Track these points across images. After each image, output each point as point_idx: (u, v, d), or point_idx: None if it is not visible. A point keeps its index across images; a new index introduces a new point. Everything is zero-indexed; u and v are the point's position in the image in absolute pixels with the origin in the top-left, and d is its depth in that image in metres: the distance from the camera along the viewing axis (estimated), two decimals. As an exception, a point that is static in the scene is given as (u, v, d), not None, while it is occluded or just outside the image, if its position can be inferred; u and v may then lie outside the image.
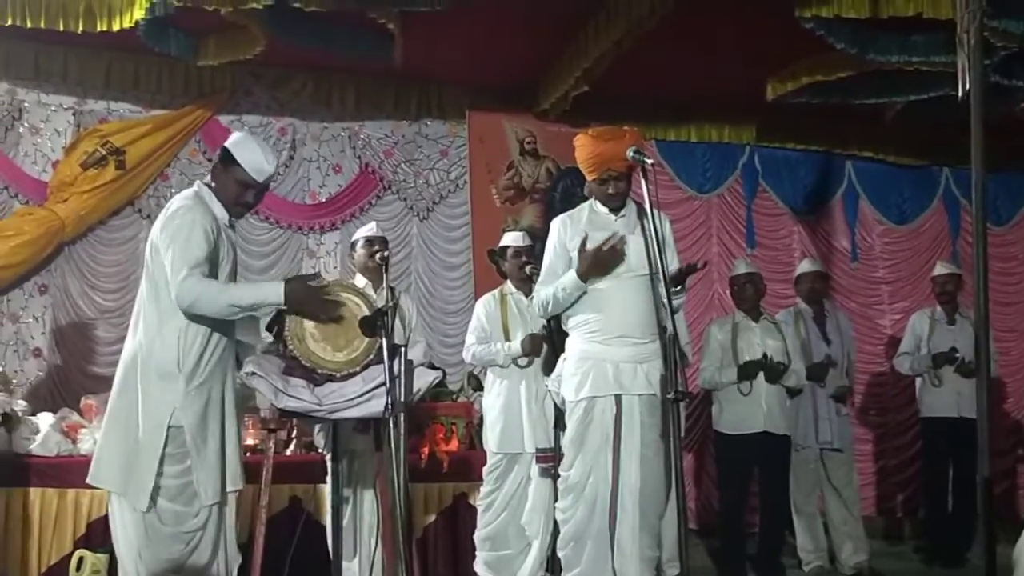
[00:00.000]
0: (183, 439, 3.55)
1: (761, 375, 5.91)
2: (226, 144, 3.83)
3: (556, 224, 4.29)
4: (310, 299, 3.78)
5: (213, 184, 3.78)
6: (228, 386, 3.73)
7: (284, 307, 3.70)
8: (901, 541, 7.76)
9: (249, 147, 3.80)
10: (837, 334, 6.48)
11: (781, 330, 6.15)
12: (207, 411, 3.61)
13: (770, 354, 5.94)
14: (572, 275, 4.10)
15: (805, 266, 6.80)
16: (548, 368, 4.98)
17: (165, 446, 3.53)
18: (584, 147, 4.16)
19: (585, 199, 4.37)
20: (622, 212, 4.20)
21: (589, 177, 4.19)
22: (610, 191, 4.13)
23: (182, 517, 3.55)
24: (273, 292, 3.65)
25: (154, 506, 3.53)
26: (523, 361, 5.31)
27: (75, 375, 6.89)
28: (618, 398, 4.02)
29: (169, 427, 3.54)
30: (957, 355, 6.62)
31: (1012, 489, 8.57)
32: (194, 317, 3.57)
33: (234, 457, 3.72)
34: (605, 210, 4.21)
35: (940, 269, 7.09)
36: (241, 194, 3.79)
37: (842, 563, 6.33)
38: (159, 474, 3.52)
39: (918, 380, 6.92)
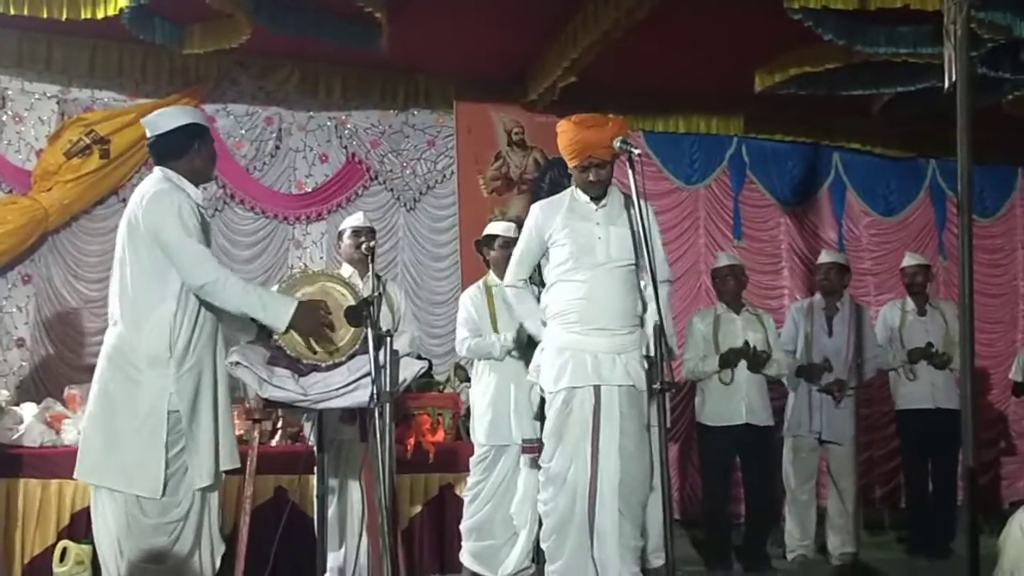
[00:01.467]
0: (179, 424, 3.54)
1: (743, 364, 5.94)
2: (198, 121, 3.81)
3: (535, 210, 4.27)
4: (312, 329, 3.82)
5: (187, 166, 3.74)
6: (219, 366, 3.72)
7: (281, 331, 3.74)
8: (882, 531, 7.79)
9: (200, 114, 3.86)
10: (844, 328, 6.40)
11: (763, 322, 6.18)
12: (199, 393, 3.60)
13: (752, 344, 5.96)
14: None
15: (821, 257, 6.74)
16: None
17: (168, 432, 3.52)
18: (566, 133, 4.15)
19: (575, 190, 4.36)
20: (603, 202, 4.18)
21: (570, 164, 4.18)
22: (591, 178, 4.12)
23: (166, 507, 3.53)
24: (280, 318, 3.67)
25: (137, 498, 3.51)
26: (517, 353, 5.30)
27: (59, 365, 6.85)
28: (597, 389, 4.01)
29: (169, 412, 3.53)
30: (932, 350, 6.63)
31: (995, 480, 8.63)
32: (192, 297, 3.56)
33: (227, 436, 3.71)
34: (586, 199, 4.19)
35: (909, 260, 7.03)
36: (213, 167, 3.84)
37: (830, 553, 6.35)
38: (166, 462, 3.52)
39: (891, 373, 6.91)
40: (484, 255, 5.66)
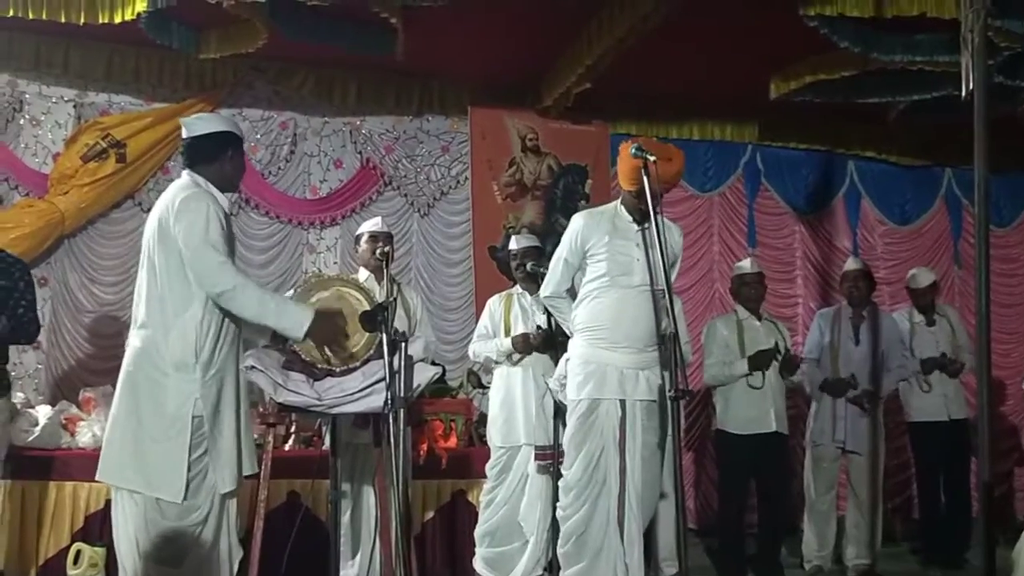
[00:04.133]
0: (201, 428, 3.56)
1: (774, 367, 5.90)
2: (234, 131, 3.88)
3: (579, 221, 4.31)
4: (329, 338, 3.82)
5: (217, 173, 3.78)
6: (239, 374, 3.76)
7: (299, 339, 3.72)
8: (894, 542, 7.74)
9: (236, 124, 3.94)
10: (869, 336, 6.36)
11: (780, 330, 6.15)
12: (221, 400, 3.63)
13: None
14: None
15: (848, 264, 6.70)
16: (552, 363, 5.04)
17: (191, 436, 3.54)
18: (633, 160, 4.10)
19: (586, 196, 4.40)
20: (645, 224, 4.20)
21: (626, 187, 4.20)
22: (643, 206, 4.12)
23: (185, 511, 3.55)
24: (297, 326, 3.65)
25: (157, 500, 3.52)
26: (516, 358, 5.34)
27: (74, 368, 6.87)
28: (622, 402, 4.10)
29: (193, 417, 3.55)
30: (946, 359, 6.60)
31: (1009, 492, 8.56)
32: (211, 303, 3.58)
33: (248, 442, 3.76)
34: (630, 219, 4.23)
35: (920, 282, 6.89)
36: (241, 178, 3.91)
37: (846, 564, 6.32)
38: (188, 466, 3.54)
39: (902, 384, 6.82)
40: (498, 263, 5.72)
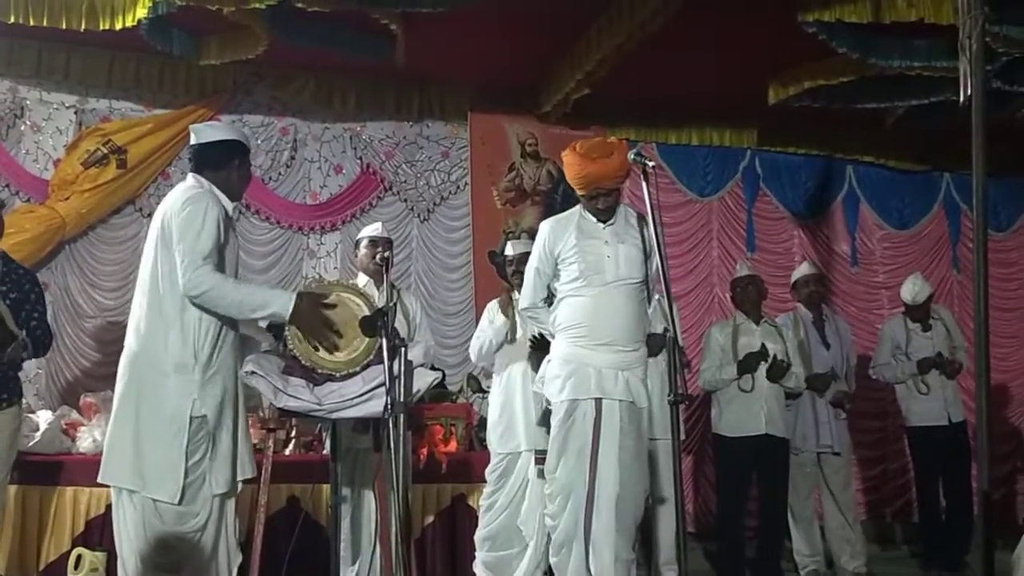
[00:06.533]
0: (203, 430, 3.57)
1: (763, 370, 5.88)
2: (242, 140, 3.91)
3: (545, 228, 4.31)
4: (316, 321, 3.73)
5: (223, 180, 3.80)
6: (237, 376, 3.76)
7: (287, 321, 3.67)
8: (893, 546, 7.75)
9: (244, 134, 3.98)
10: (836, 339, 6.46)
11: (782, 333, 6.13)
12: (223, 400, 3.64)
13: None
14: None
15: (804, 269, 6.75)
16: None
17: (189, 438, 3.54)
18: (572, 167, 4.19)
19: (587, 202, 4.38)
20: (611, 220, 4.22)
21: (578, 192, 4.23)
22: (600, 206, 4.17)
23: (183, 516, 3.55)
24: (282, 305, 3.62)
25: (155, 504, 3.53)
26: (527, 363, 5.33)
27: (75, 373, 6.89)
28: (598, 402, 4.05)
29: (192, 418, 3.55)
30: (943, 359, 6.61)
31: (1010, 495, 8.57)
32: (201, 307, 3.59)
33: (244, 445, 3.76)
34: (595, 219, 4.23)
35: (918, 298, 6.79)
36: (245, 188, 3.91)
37: (840, 568, 6.32)
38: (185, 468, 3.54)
39: (900, 389, 6.86)
40: (499, 268, 5.71)
